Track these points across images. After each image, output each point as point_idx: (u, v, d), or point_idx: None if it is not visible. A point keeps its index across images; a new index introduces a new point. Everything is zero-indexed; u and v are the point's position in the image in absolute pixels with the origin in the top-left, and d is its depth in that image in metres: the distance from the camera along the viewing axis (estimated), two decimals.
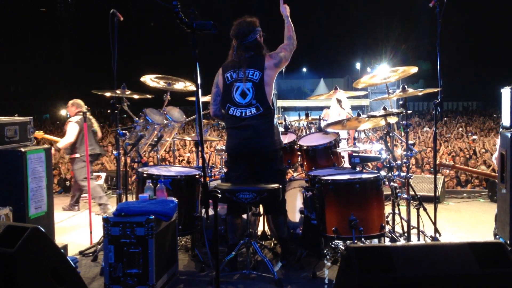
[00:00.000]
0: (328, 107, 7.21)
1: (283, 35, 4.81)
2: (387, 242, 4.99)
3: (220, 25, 3.11)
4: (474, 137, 15.09)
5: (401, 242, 5.03)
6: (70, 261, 3.18)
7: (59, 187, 10.17)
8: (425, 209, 5.27)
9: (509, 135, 4.51)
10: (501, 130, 4.90)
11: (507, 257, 2.44)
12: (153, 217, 3.90)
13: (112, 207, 6.95)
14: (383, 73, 5.40)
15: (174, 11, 2.92)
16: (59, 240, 5.33)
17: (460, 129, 16.85)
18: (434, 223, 5.18)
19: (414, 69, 5.20)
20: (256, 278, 4.36)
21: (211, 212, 4.75)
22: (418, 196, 5.32)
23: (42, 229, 2.96)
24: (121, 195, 5.25)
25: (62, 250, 3.26)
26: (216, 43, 4.84)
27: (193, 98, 4.52)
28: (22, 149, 4.75)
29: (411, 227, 5.13)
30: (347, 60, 42.65)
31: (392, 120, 5.25)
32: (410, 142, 5.17)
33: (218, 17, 4.56)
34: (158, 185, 4.41)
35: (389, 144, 5.16)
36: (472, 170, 8.91)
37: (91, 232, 5.58)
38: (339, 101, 6.09)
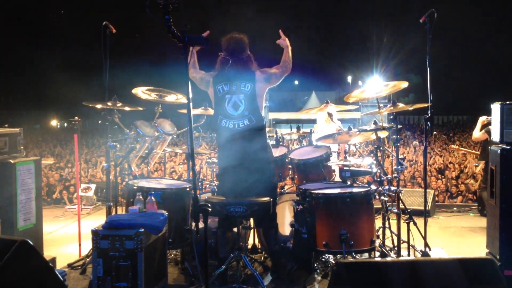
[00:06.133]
0: None
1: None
2: (377, 256, 4.99)
3: (212, 39, 3.13)
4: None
5: (391, 256, 5.03)
6: (58, 274, 3.15)
7: (48, 198, 10.05)
8: (415, 223, 5.27)
9: (498, 150, 4.55)
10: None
11: (497, 273, 2.45)
12: (142, 230, 3.88)
13: None
14: (374, 88, 5.43)
15: (166, 25, 2.92)
16: (48, 252, 5.28)
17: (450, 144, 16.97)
18: (424, 237, 5.19)
19: (404, 84, 5.24)
20: None
21: (201, 225, 4.72)
22: (408, 210, 5.33)
23: (30, 242, 2.93)
24: (111, 207, 5.21)
25: (50, 263, 3.23)
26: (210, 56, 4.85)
27: (185, 111, 4.52)
28: (12, 161, 4.72)
29: (402, 241, 5.13)
30: (339, 74, 42.87)
31: (383, 134, 5.27)
32: (400, 156, 5.19)
33: (211, 31, 4.57)
34: (148, 197, 4.38)
35: (379, 158, 5.18)
36: None
37: (80, 245, 5.53)
38: (330, 115, 6.12)
